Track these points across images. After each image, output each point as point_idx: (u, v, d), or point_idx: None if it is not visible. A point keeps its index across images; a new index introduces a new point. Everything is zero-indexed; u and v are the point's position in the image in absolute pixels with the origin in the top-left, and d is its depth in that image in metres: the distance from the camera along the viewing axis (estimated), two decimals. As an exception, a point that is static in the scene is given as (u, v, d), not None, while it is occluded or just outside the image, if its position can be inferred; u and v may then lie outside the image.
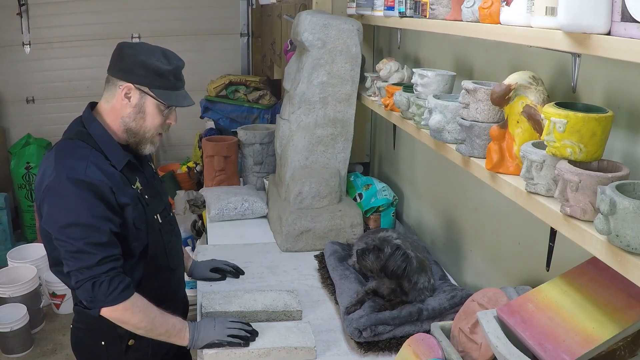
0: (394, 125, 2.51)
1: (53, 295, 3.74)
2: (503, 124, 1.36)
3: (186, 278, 1.99)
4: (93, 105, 1.68)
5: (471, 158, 1.46)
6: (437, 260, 2.14)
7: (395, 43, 2.53)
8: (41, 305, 3.69)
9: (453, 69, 1.98)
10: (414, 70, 1.80)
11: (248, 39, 5.37)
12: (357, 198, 2.60)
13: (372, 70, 2.76)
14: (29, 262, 3.77)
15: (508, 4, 1.25)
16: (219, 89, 4.43)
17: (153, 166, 1.85)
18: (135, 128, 1.63)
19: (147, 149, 1.68)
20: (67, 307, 3.73)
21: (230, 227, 2.60)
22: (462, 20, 1.49)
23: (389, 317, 1.70)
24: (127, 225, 1.58)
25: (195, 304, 1.99)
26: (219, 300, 1.85)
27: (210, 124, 4.57)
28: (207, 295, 1.88)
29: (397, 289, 1.78)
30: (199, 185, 3.82)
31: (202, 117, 4.54)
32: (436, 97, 1.63)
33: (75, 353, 1.76)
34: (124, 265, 1.55)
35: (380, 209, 2.55)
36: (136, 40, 4.99)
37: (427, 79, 1.73)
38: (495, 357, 1.31)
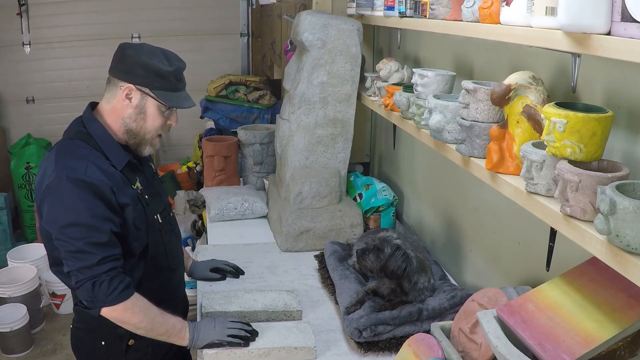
0: (394, 125, 2.51)
1: (53, 295, 3.74)
2: (503, 124, 1.36)
3: (186, 278, 1.99)
4: (93, 105, 1.68)
5: (471, 158, 1.46)
6: (437, 260, 2.14)
7: (395, 43, 2.53)
8: (41, 305, 3.69)
9: (453, 69, 1.98)
10: (414, 70, 1.80)
11: (248, 39, 5.37)
12: (357, 198, 2.60)
13: (372, 70, 2.76)
14: (29, 262, 3.77)
15: (508, 4, 1.25)
16: (219, 89, 4.43)
17: (153, 166, 1.86)
18: (136, 129, 1.63)
19: (147, 151, 1.69)
20: (67, 307, 3.73)
21: (230, 227, 2.60)
22: (462, 20, 1.49)
23: (389, 317, 1.70)
24: (127, 225, 1.58)
25: (195, 304, 1.99)
26: (219, 300, 1.85)
27: (210, 124, 4.57)
28: (207, 295, 1.88)
29: (397, 289, 1.78)
30: (199, 185, 3.82)
31: (202, 117, 4.54)
32: (436, 97, 1.63)
33: (75, 353, 1.76)
34: (124, 265, 1.55)
35: (380, 209, 2.55)
36: (136, 40, 5.00)
37: (427, 79, 1.73)
38: (495, 357, 1.31)
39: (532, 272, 1.63)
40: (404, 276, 1.74)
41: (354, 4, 2.47)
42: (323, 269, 2.15)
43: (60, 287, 3.64)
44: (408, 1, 1.87)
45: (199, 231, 3.41)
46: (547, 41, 1.11)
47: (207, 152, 2.98)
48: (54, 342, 3.51)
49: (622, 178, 1.05)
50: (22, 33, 4.90)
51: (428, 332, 1.54)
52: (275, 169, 2.80)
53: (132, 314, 1.53)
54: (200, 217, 3.36)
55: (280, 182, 2.62)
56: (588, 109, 1.13)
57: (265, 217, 2.69)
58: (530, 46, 1.24)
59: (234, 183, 3.00)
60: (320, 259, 2.22)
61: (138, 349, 1.67)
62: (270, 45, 4.55)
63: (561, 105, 1.13)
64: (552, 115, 1.10)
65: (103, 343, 1.65)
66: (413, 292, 1.77)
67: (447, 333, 1.52)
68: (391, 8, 2.03)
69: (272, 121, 4.15)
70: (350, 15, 2.57)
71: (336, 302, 1.93)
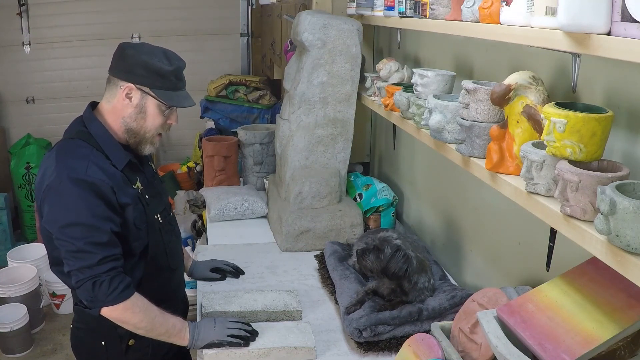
0: (394, 125, 2.51)
1: (53, 295, 3.74)
2: (503, 124, 1.36)
3: (186, 278, 1.99)
4: (94, 105, 1.68)
5: (471, 158, 1.46)
6: (437, 260, 2.14)
7: (395, 43, 2.53)
8: (41, 305, 3.69)
9: (453, 69, 1.98)
10: (414, 70, 1.80)
11: (248, 39, 5.37)
12: (357, 198, 2.60)
13: (372, 70, 2.76)
14: (29, 262, 3.77)
15: (508, 4, 1.25)
16: (219, 89, 4.43)
17: (153, 166, 1.86)
18: (136, 128, 1.63)
19: (147, 150, 1.69)
20: (67, 307, 3.73)
21: (230, 227, 2.60)
22: (462, 20, 1.49)
23: (389, 317, 1.70)
24: (127, 225, 1.58)
25: (195, 304, 1.99)
26: (219, 300, 1.85)
27: (210, 124, 4.57)
28: (207, 295, 1.88)
29: (397, 289, 1.78)
30: (199, 185, 3.82)
31: (202, 117, 4.54)
32: (436, 97, 1.63)
33: (75, 353, 1.76)
34: (124, 265, 1.55)
35: (380, 209, 2.55)
36: (136, 40, 5.00)
37: (427, 79, 1.73)
38: (495, 357, 1.31)
39: (532, 272, 1.63)
40: (404, 277, 1.74)
41: (354, 4, 2.47)
42: (323, 269, 2.15)
43: (60, 287, 3.64)
44: (408, 1, 1.87)
45: (199, 231, 3.41)
46: (547, 41, 1.11)
47: (207, 152, 2.98)
48: (54, 342, 3.51)
49: (622, 178, 1.05)
50: (22, 33, 4.90)
51: (428, 332, 1.54)
52: (275, 169, 2.80)
53: (132, 313, 1.53)
54: (200, 217, 3.36)
55: (280, 182, 2.62)
56: (588, 109, 1.13)
57: (265, 217, 2.69)
58: (530, 46, 1.24)
59: (234, 183, 3.00)
60: (320, 259, 2.22)
61: (138, 349, 1.67)
62: (270, 45, 4.55)
63: (561, 105, 1.13)
64: (552, 115, 1.10)
65: (103, 343, 1.65)
66: (413, 292, 1.77)
67: (447, 333, 1.52)
68: (391, 8, 2.03)
69: (272, 121, 4.15)
70: (350, 15, 2.57)
71: (336, 302, 1.93)
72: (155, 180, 1.81)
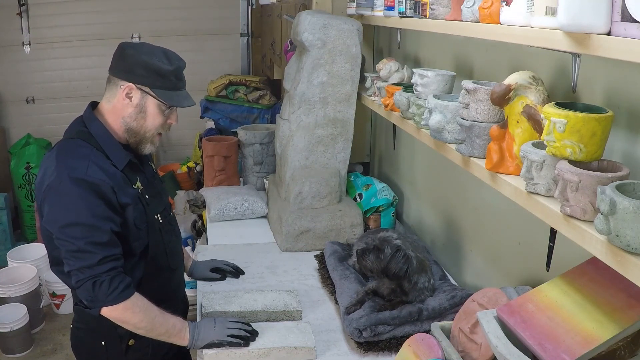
0: (394, 125, 2.51)
1: (53, 295, 3.74)
2: (503, 124, 1.36)
3: (186, 278, 1.99)
4: (94, 105, 1.68)
5: (471, 158, 1.46)
6: (437, 260, 2.14)
7: (395, 43, 2.53)
8: (41, 305, 3.69)
9: (453, 69, 1.98)
10: (414, 70, 1.80)
11: (248, 39, 5.37)
12: (357, 198, 2.60)
13: (372, 70, 2.76)
14: (29, 262, 3.77)
15: (508, 4, 1.25)
16: (219, 89, 4.43)
17: (153, 166, 1.86)
18: (136, 128, 1.63)
19: (148, 149, 1.69)
20: (67, 307, 3.73)
21: (230, 227, 2.60)
22: (462, 20, 1.49)
23: (389, 317, 1.70)
24: (127, 225, 1.58)
25: (195, 304, 1.99)
26: (219, 300, 1.85)
27: (210, 124, 4.57)
28: (207, 295, 1.88)
29: (397, 289, 1.78)
30: (199, 185, 3.82)
31: (202, 117, 4.54)
32: (436, 97, 1.63)
33: (75, 353, 1.76)
34: (124, 265, 1.55)
35: (380, 209, 2.55)
36: (136, 40, 4.99)
37: (427, 79, 1.74)
38: (495, 357, 1.31)
39: (532, 272, 1.63)
40: (404, 277, 1.74)
41: (354, 4, 2.47)
42: (323, 269, 2.15)
43: (60, 287, 3.64)
44: (408, 1, 1.87)
45: (199, 231, 3.41)
46: (547, 41, 1.11)
47: (207, 152, 2.98)
48: (54, 342, 3.51)
49: (622, 178, 1.05)
50: (22, 33, 4.90)
51: (428, 332, 1.54)
52: (275, 169, 2.80)
53: (133, 313, 1.53)
54: (200, 217, 3.36)
55: (280, 182, 2.62)
56: (588, 109, 1.13)
57: (265, 217, 2.69)
58: (530, 46, 1.24)
59: (234, 183, 3.00)
60: (320, 259, 2.22)
61: (138, 349, 1.67)
62: (270, 45, 4.55)
63: (561, 105, 1.13)
64: (552, 115, 1.10)
65: (103, 343, 1.65)
66: (413, 292, 1.77)
67: (447, 333, 1.52)
68: (391, 8, 2.03)
69: (272, 121, 4.15)
70: (350, 15, 2.57)
71: (336, 302, 1.93)
72: (156, 180, 1.81)
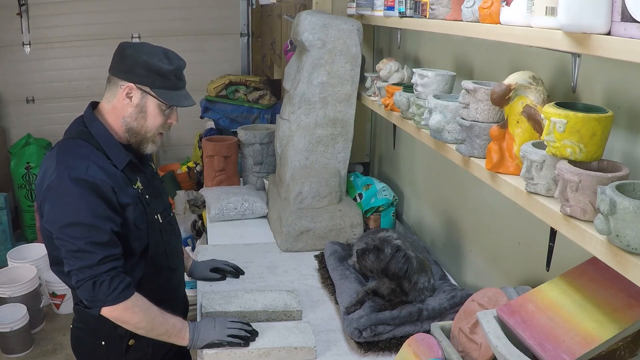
0: (394, 125, 2.51)
1: (53, 295, 3.74)
2: (503, 124, 1.36)
3: (186, 278, 1.99)
4: (94, 105, 1.68)
5: (471, 158, 1.46)
6: (437, 260, 2.14)
7: (395, 43, 2.53)
8: (41, 305, 3.69)
9: (453, 69, 1.98)
10: (414, 70, 1.80)
11: (248, 39, 5.37)
12: (357, 198, 2.60)
13: (372, 70, 2.76)
14: (29, 262, 3.77)
15: (508, 4, 1.25)
16: (219, 89, 4.43)
17: (153, 166, 1.86)
18: (137, 128, 1.63)
19: (149, 148, 1.69)
20: (67, 307, 3.73)
21: (230, 227, 2.60)
22: (462, 20, 1.49)
23: (389, 317, 1.70)
24: (127, 225, 1.58)
25: (195, 304, 1.99)
26: (219, 300, 1.85)
27: (210, 124, 4.57)
28: (207, 295, 1.88)
29: (397, 289, 1.78)
30: (199, 185, 3.82)
31: (202, 117, 4.54)
32: (436, 97, 1.63)
33: (75, 353, 1.76)
34: (124, 264, 1.55)
35: (380, 209, 2.55)
36: (136, 40, 4.99)
37: (427, 79, 1.73)
38: (495, 357, 1.31)
39: (532, 272, 1.63)
40: (404, 277, 1.74)
41: (354, 4, 2.47)
42: (323, 269, 2.15)
43: (60, 287, 3.64)
44: (408, 1, 1.87)
45: (199, 231, 3.42)
46: (547, 41, 1.11)
47: (207, 152, 2.98)
48: (54, 342, 3.52)
49: (622, 178, 1.05)
50: (22, 33, 4.90)
51: (428, 332, 1.54)
52: (275, 169, 2.80)
53: (133, 313, 1.53)
54: (200, 217, 3.36)
55: (280, 182, 2.62)
56: (588, 109, 1.13)
57: (265, 217, 2.69)
58: (530, 46, 1.24)
59: (234, 183, 3.00)
60: (320, 259, 2.22)
61: (138, 349, 1.67)
62: (270, 45, 4.55)
63: (561, 105, 1.13)
64: (552, 115, 1.10)
65: (103, 343, 1.65)
66: (413, 292, 1.77)
67: (447, 333, 1.52)
68: (391, 8, 2.03)
69: (272, 121, 4.15)
70: (350, 15, 2.57)
71: (336, 302, 1.93)
72: (156, 180, 1.81)
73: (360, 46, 2.39)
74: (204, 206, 3.08)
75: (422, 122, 1.68)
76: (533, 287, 1.36)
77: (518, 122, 1.32)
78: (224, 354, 1.62)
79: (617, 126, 1.22)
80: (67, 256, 1.49)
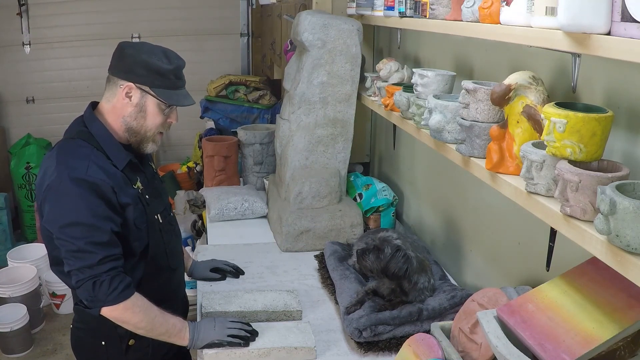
0: (394, 125, 2.51)
1: (53, 295, 3.74)
2: (503, 124, 1.36)
3: (186, 278, 1.99)
4: (94, 105, 1.68)
5: (471, 158, 1.46)
6: (437, 260, 2.14)
7: (395, 43, 2.53)
8: (41, 305, 3.69)
9: (453, 69, 1.98)
10: (414, 70, 1.80)
11: (248, 39, 5.37)
12: (357, 198, 2.60)
13: (372, 70, 2.76)
14: (29, 262, 3.77)
15: (508, 4, 1.25)
16: (219, 89, 4.43)
17: (153, 166, 1.86)
18: (137, 127, 1.63)
19: (149, 148, 1.69)
20: (67, 307, 3.73)
21: (230, 227, 2.60)
22: (462, 20, 1.49)
23: (389, 317, 1.70)
24: (127, 225, 1.58)
25: (195, 304, 2.00)
26: (219, 300, 1.85)
27: (210, 124, 4.57)
28: (207, 295, 1.88)
29: (397, 289, 1.78)
30: (199, 185, 3.82)
31: (202, 117, 4.54)
32: (436, 97, 1.63)
33: (75, 353, 1.76)
34: (124, 265, 1.55)
35: (380, 209, 2.55)
36: (136, 40, 4.99)
37: (427, 79, 1.73)
38: (495, 357, 1.31)
39: (532, 272, 1.63)
40: (404, 277, 1.74)
41: (354, 4, 2.47)
42: (323, 269, 2.15)
43: (60, 287, 3.64)
44: (408, 1, 1.87)
45: (199, 231, 3.42)
46: (547, 41, 1.11)
47: (207, 152, 2.98)
48: (54, 342, 3.52)
49: (622, 178, 1.05)
50: (22, 33, 4.90)
51: (428, 332, 1.54)
52: (275, 169, 2.80)
53: (133, 313, 1.53)
54: (200, 217, 3.36)
55: (280, 182, 2.62)
56: (588, 109, 1.13)
57: (265, 217, 2.69)
58: (530, 46, 1.24)
59: (234, 183, 3.00)
60: (320, 259, 2.22)
61: (138, 349, 1.67)
62: (270, 45, 4.55)
63: (561, 105, 1.13)
64: (552, 115, 1.10)
65: (103, 343, 1.65)
66: (413, 292, 1.77)
67: (447, 333, 1.52)
68: (391, 8, 2.03)
69: (272, 121, 4.15)
70: (350, 15, 2.57)
71: (336, 302, 1.93)
72: (156, 180, 1.81)
73: (360, 46, 2.39)
74: (204, 206, 3.08)
75: (422, 122, 1.68)
76: (533, 287, 1.36)
77: (518, 122, 1.32)
78: (224, 354, 1.62)
79: (617, 126, 1.22)
80: (67, 256, 1.49)
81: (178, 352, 1.77)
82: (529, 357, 1.17)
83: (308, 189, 2.41)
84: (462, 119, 1.47)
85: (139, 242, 1.62)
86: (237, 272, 2.12)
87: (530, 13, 1.18)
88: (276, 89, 4.53)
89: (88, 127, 1.61)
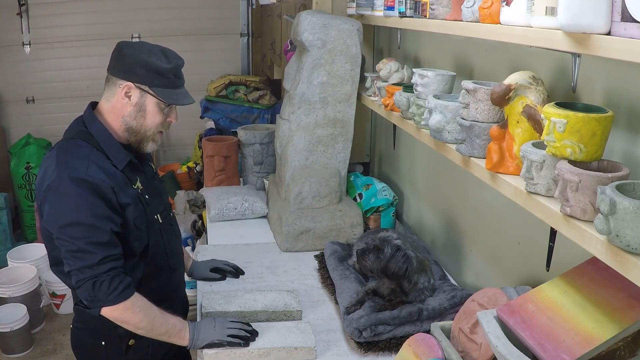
0: (394, 125, 2.51)
1: (53, 295, 3.74)
2: (503, 124, 1.36)
3: (186, 278, 1.99)
4: (94, 105, 1.68)
5: (471, 158, 1.46)
6: (437, 260, 2.14)
7: (395, 43, 2.53)
8: (41, 305, 3.69)
9: (453, 69, 1.98)
10: (414, 70, 1.80)
11: (248, 39, 5.38)
12: (357, 198, 2.60)
13: (372, 70, 2.76)
14: (29, 262, 3.77)
15: (508, 4, 1.25)
16: (219, 89, 4.43)
17: (153, 166, 1.86)
18: (136, 127, 1.63)
19: (149, 147, 1.69)
20: (67, 307, 3.73)
21: (230, 227, 2.60)
22: (462, 20, 1.49)
23: (389, 317, 1.70)
24: (127, 225, 1.58)
25: (195, 304, 2.00)
26: (219, 300, 1.85)
27: (210, 124, 4.57)
28: (207, 295, 1.88)
29: (397, 289, 1.78)
30: (199, 185, 3.82)
31: (202, 117, 4.54)
32: (436, 97, 1.63)
33: (75, 353, 1.76)
34: (124, 265, 1.55)
35: (380, 209, 2.55)
36: (136, 40, 4.99)
37: (427, 79, 1.73)
38: (495, 357, 1.31)
39: (532, 272, 1.63)
40: (404, 277, 1.74)
41: (354, 4, 2.47)
42: (323, 269, 2.15)
43: (60, 287, 3.64)
44: (408, 1, 1.87)
45: (199, 231, 3.42)
46: (547, 41, 1.11)
47: (207, 152, 2.98)
48: (54, 342, 3.52)
49: (622, 178, 1.05)
50: (22, 33, 4.90)
51: (428, 332, 1.54)
52: (275, 169, 2.80)
53: (133, 313, 1.53)
54: (200, 217, 3.36)
55: (280, 182, 2.62)
56: (588, 109, 1.13)
57: (265, 217, 2.69)
58: (530, 46, 1.24)
59: (234, 183, 3.00)
60: (320, 259, 2.22)
61: (138, 349, 1.67)
62: (270, 45, 4.55)
63: (561, 105, 1.13)
64: (552, 115, 1.10)
65: (103, 343, 1.65)
66: (413, 292, 1.77)
67: (447, 333, 1.52)
68: (391, 8, 2.03)
69: (272, 121, 4.15)
70: (350, 15, 2.57)
71: (336, 302, 1.93)
72: (155, 180, 1.81)
73: (360, 46, 2.39)
74: (204, 206, 3.08)
75: (422, 122, 1.68)
76: (533, 287, 1.36)
77: (518, 122, 1.32)
78: (224, 354, 1.62)
79: (617, 126, 1.22)
80: (67, 256, 1.49)
81: (178, 352, 1.77)
82: (529, 357, 1.17)
83: (308, 189, 2.41)
84: (462, 119, 1.47)
85: (139, 242, 1.62)
86: (237, 272, 2.12)
87: (530, 13, 1.18)
88: (276, 89, 4.53)
89: (88, 127, 1.61)
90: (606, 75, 1.27)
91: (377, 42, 2.92)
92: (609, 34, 0.96)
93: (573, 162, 1.11)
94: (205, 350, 1.62)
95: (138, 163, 1.69)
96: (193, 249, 3.18)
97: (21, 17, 4.84)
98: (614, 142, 1.23)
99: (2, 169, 4.79)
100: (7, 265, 3.81)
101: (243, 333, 1.64)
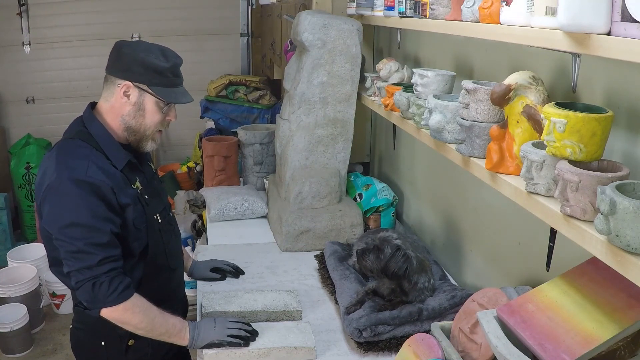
0: (394, 125, 2.51)
1: (53, 295, 3.74)
2: (503, 124, 1.36)
3: (186, 278, 1.99)
4: (93, 105, 1.68)
5: (471, 158, 1.46)
6: (437, 260, 2.14)
7: (395, 43, 2.53)
8: (41, 305, 3.69)
9: (453, 69, 1.98)
10: (414, 70, 1.80)
11: (248, 39, 5.38)
12: (357, 198, 2.60)
13: (372, 70, 2.76)
14: (29, 262, 3.77)
15: (508, 4, 1.25)
16: (219, 89, 4.43)
17: (153, 166, 1.86)
18: (135, 126, 1.63)
19: (149, 146, 1.69)
20: (67, 307, 3.73)
21: (230, 227, 2.60)
22: (462, 20, 1.49)
23: (389, 317, 1.70)
24: (127, 225, 1.58)
25: (195, 304, 1.99)
26: (219, 300, 1.85)
27: (210, 124, 4.57)
28: (207, 295, 1.88)
29: (397, 289, 1.78)
30: (199, 185, 3.82)
31: (202, 117, 4.54)
32: (436, 97, 1.63)
33: (75, 353, 1.76)
34: (124, 265, 1.55)
35: (380, 209, 2.55)
36: (136, 40, 4.99)
37: (427, 79, 1.73)
38: (495, 357, 1.31)
39: (532, 272, 1.63)
40: (404, 277, 1.74)
41: (354, 4, 2.47)
42: (323, 269, 2.15)
43: (60, 287, 3.64)
44: (408, 1, 1.87)
45: (199, 231, 3.42)
46: (547, 41, 1.11)
47: (207, 152, 2.98)
48: (54, 342, 3.52)
49: (622, 178, 1.05)
50: (22, 33, 4.90)
51: (428, 332, 1.54)
52: (275, 169, 2.80)
53: (132, 314, 1.53)
54: (200, 217, 3.36)
55: (280, 182, 2.62)
56: (588, 109, 1.13)
57: (265, 217, 2.69)
58: (530, 46, 1.24)
59: (234, 183, 3.00)
60: (320, 259, 2.22)
61: (138, 349, 1.67)
62: (270, 45, 4.55)
63: (561, 105, 1.13)
64: (552, 115, 1.10)
65: (103, 343, 1.65)
66: (413, 292, 1.77)
67: (447, 333, 1.52)
68: (391, 8, 2.03)
69: (272, 121, 4.15)
70: (350, 15, 2.57)
71: (336, 302, 1.93)
72: (155, 180, 1.81)
73: (360, 46, 2.39)
74: (204, 206, 3.08)
75: (422, 122, 1.68)
76: (533, 287, 1.36)
77: (518, 122, 1.32)
78: (224, 354, 1.62)
79: (617, 126, 1.22)
80: (66, 257, 1.49)
81: (178, 352, 1.77)
82: (529, 357, 1.17)
83: (308, 189, 2.41)
84: (462, 119, 1.47)
85: (138, 242, 1.62)
86: (237, 272, 2.12)
87: (530, 13, 1.18)
88: (276, 89, 4.53)
89: (87, 127, 1.61)
90: (606, 75, 1.27)
91: (377, 42, 2.92)
92: (609, 34, 0.96)
93: (573, 162, 1.11)
94: (205, 350, 1.62)
95: (137, 163, 1.69)
96: (193, 249, 3.18)
97: (21, 17, 4.84)
98: (614, 142, 1.23)
99: (2, 169, 4.79)
100: (7, 265, 3.81)
101: (243, 333, 1.64)
